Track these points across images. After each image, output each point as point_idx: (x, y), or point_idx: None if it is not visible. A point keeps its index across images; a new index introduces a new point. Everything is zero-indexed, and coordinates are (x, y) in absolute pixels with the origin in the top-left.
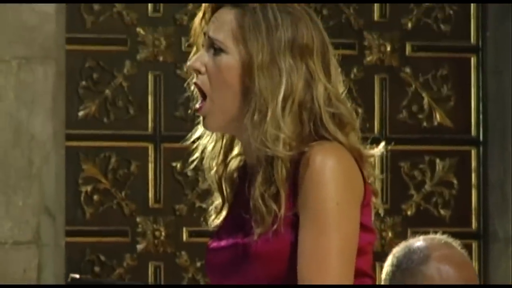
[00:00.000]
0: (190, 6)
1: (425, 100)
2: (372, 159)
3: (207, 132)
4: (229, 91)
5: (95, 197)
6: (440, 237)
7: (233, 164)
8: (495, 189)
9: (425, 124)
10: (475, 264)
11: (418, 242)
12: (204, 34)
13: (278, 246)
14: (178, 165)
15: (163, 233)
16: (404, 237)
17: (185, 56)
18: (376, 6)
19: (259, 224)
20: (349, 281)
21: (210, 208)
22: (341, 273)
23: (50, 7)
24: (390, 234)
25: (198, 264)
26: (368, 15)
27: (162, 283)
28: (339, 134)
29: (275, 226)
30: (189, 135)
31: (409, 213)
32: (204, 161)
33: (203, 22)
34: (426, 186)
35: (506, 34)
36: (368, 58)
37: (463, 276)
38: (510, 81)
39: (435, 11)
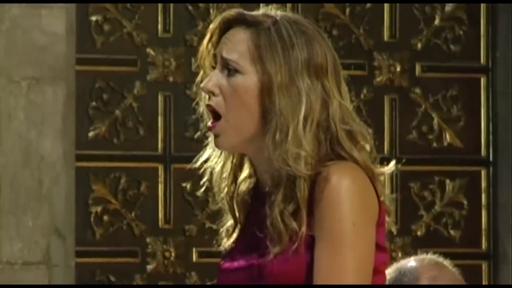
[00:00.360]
0: (200, 26)
1: (435, 121)
2: (382, 178)
3: (215, 153)
4: (246, 112)
5: (105, 217)
6: (431, 257)
7: (244, 185)
8: (505, 210)
9: (435, 144)
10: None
11: (409, 263)
12: (215, 55)
13: (296, 266)
14: (188, 186)
15: (173, 254)
16: None
17: (195, 76)
18: (386, 26)
19: (276, 243)
20: None
21: (221, 230)
22: None
23: (60, 28)
24: (400, 255)
25: (208, 284)
26: (378, 36)
27: None
28: (355, 151)
29: (295, 245)
30: (197, 157)
31: (419, 233)
32: (213, 183)
33: (210, 45)
34: (436, 207)
35: None
36: (378, 79)
37: None
38: None
39: (445, 32)
